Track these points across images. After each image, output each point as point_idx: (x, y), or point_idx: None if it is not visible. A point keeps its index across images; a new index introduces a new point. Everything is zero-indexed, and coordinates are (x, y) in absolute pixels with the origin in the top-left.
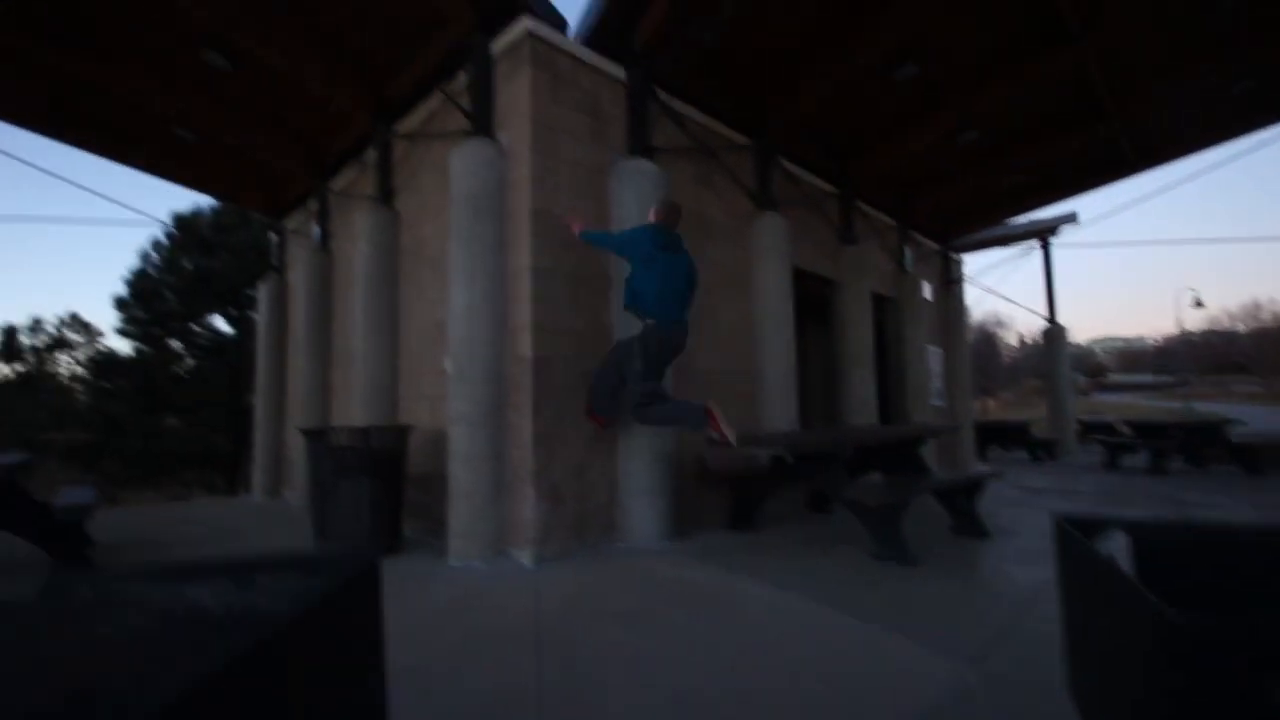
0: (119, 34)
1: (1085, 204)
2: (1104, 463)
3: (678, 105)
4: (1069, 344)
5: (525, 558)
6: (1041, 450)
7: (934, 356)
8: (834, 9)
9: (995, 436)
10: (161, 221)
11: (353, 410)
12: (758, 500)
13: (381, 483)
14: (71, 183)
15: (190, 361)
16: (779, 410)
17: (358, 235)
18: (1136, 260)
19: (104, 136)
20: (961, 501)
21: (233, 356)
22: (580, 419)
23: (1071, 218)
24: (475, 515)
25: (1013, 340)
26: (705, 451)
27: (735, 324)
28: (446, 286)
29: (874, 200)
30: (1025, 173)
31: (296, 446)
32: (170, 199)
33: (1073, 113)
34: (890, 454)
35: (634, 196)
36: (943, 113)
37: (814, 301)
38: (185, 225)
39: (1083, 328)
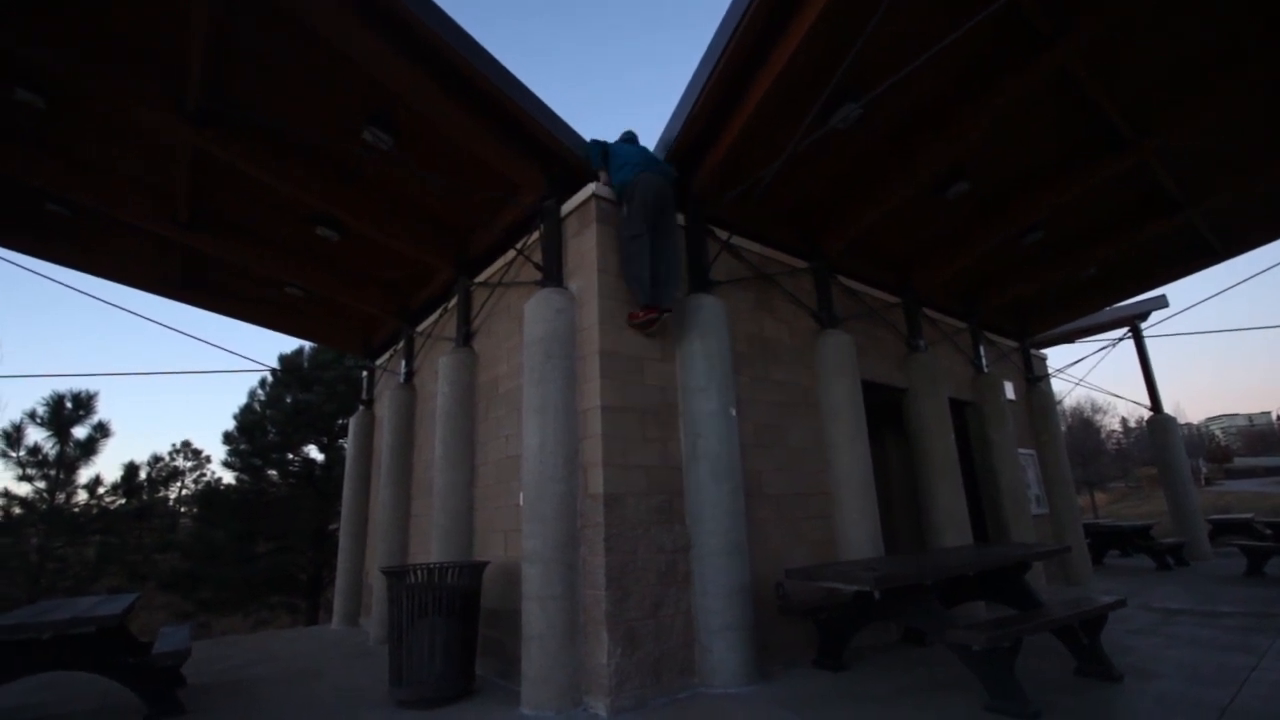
0: (242, 217)
1: (1179, 286)
2: (1246, 571)
3: (735, 240)
4: (1182, 425)
5: (601, 708)
6: (1169, 556)
7: (1027, 460)
8: (873, 149)
9: (1113, 541)
10: (272, 368)
11: (430, 540)
12: (845, 634)
13: (457, 622)
14: (199, 339)
15: (283, 489)
16: (859, 532)
17: (438, 373)
18: (1250, 333)
19: (226, 299)
20: (1083, 636)
21: (321, 483)
22: (654, 554)
23: (1160, 301)
24: (548, 660)
25: (1115, 424)
26: (784, 582)
27: (806, 444)
28: (520, 423)
29: (941, 304)
30: (1101, 266)
31: (376, 573)
32: (278, 343)
33: (1145, 207)
34: (992, 581)
35: (696, 328)
36: (1001, 221)
37: (890, 412)
38: (288, 364)
39: (1195, 406)
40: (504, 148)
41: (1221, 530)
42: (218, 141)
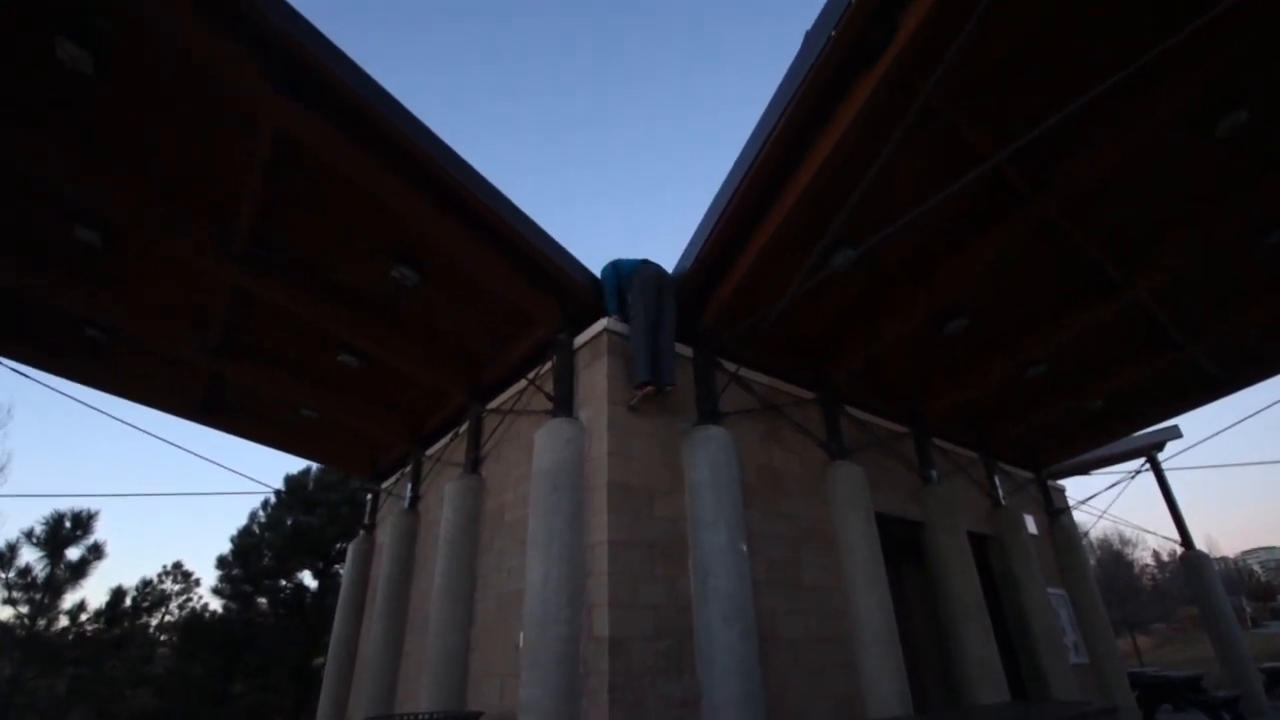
0: (269, 344)
1: (1198, 416)
2: None
3: (743, 372)
4: (1217, 559)
5: None
6: (1225, 712)
7: (1058, 601)
8: (873, 286)
9: (1163, 694)
10: (277, 490)
11: (422, 682)
12: None
13: None
14: (209, 460)
15: (271, 619)
16: (885, 687)
17: (444, 499)
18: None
19: (241, 421)
20: None
21: (311, 613)
22: (662, 708)
23: (1174, 432)
24: None
25: (1147, 557)
26: None
27: (821, 583)
28: (524, 555)
29: (951, 435)
30: (1107, 398)
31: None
32: (285, 463)
33: (1144, 342)
34: None
35: (705, 460)
36: (1001, 356)
37: (907, 547)
38: (293, 486)
39: (1229, 538)
40: (522, 285)
41: (1277, 680)
42: (258, 279)
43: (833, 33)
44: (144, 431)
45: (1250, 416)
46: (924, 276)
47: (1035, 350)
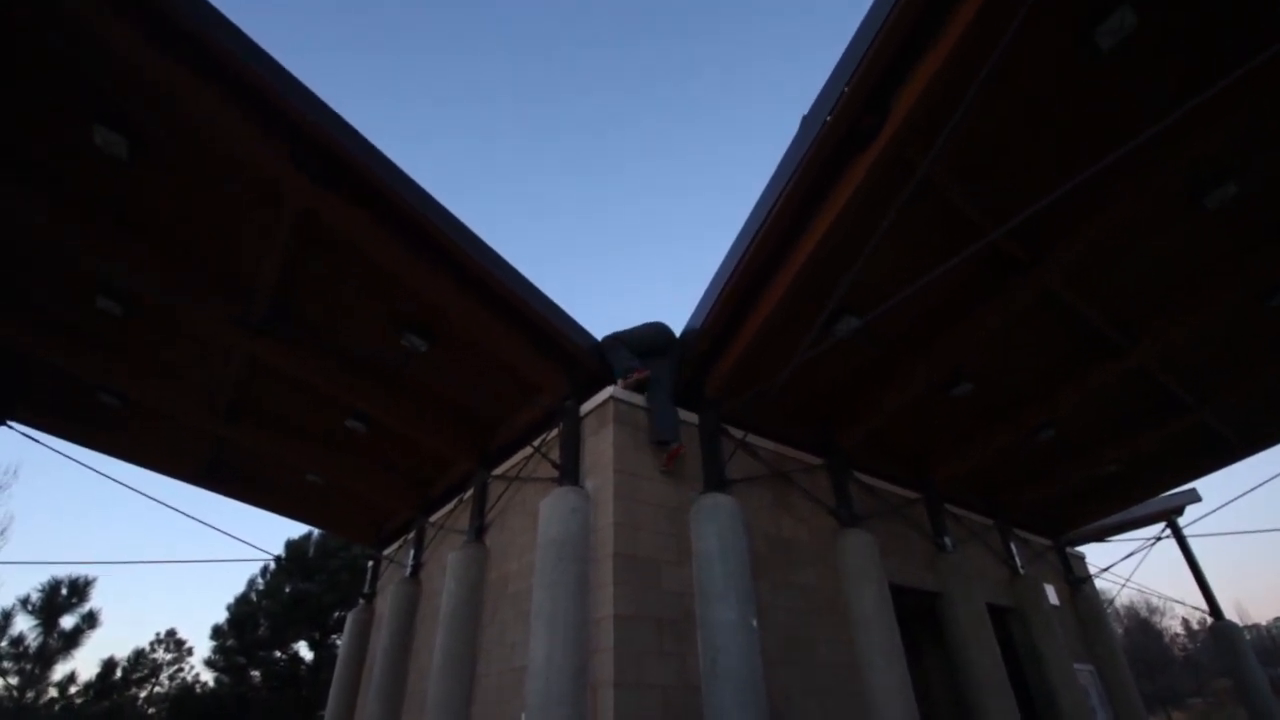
0: (278, 410)
1: (1219, 479)
2: None
3: (749, 438)
4: (1248, 627)
5: None
6: None
7: (1086, 677)
8: (877, 353)
9: None
10: (277, 556)
11: None
12: None
13: None
14: (210, 525)
15: (263, 693)
16: None
17: (447, 569)
18: None
19: (245, 486)
20: None
21: (306, 687)
22: None
23: (1193, 495)
24: None
25: (1177, 625)
26: None
27: (836, 660)
28: (528, 629)
29: (964, 501)
30: (1122, 463)
31: None
32: (287, 528)
33: (1154, 406)
34: None
35: (714, 529)
36: (1008, 420)
37: (924, 619)
38: (294, 552)
39: (1259, 604)
40: (530, 353)
41: None
42: (271, 348)
43: (828, 118)
44: (148, 496)
45: (1272, 479)
46: (926, 343)
47: (1043, 415)
